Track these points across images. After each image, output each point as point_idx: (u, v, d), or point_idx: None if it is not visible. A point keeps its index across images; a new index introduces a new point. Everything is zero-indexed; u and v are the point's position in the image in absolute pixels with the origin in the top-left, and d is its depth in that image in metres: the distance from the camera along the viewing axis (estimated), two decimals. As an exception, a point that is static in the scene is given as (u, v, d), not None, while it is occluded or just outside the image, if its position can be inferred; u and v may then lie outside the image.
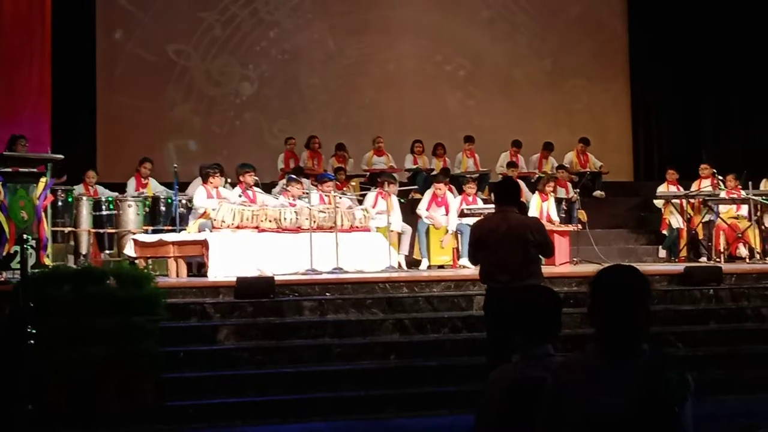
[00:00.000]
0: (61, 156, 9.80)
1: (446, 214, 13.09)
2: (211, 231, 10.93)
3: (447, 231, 12.91)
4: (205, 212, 11.38)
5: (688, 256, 13.44)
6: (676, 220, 13.95)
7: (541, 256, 6.94)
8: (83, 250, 11.69)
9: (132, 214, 11.81)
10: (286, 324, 8.94)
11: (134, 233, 11.55)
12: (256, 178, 12.01)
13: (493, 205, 13.47)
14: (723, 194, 13.45)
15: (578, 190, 14.09)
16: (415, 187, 14.81)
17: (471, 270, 12.29)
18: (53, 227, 9.99)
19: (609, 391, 2.97)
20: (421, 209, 13.18)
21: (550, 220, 13.35)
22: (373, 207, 12.66)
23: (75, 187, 12.22)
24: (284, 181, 12.91)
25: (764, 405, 8.13)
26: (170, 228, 11.90)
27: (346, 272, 10.96)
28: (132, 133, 16.18)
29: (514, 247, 6.49)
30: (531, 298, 3.69)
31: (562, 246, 13.03)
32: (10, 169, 9.20)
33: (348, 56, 17.45)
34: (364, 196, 13.35)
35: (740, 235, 13.07)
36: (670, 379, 2.97)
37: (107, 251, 11.94)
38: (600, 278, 3.14)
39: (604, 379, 3.01)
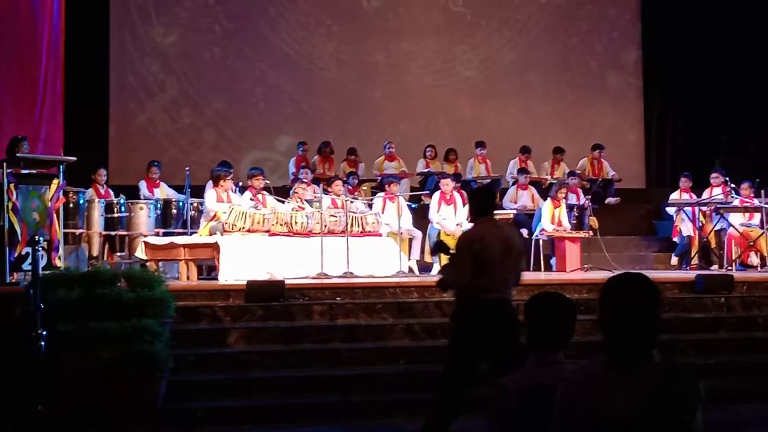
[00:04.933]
0: (74, 158, 9.83)
1: (455, 213, 13.09)
2: (222, 234, 10.95)
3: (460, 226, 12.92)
4: (215, 215, 11.41)
5: (700, 263, 13.39)
6: (687, 228, 13.91)
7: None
8: (95, 252, 11.71)
9: (143, 217, 11.83)
10: (296, 328, 8.94)
11: (145, 236, 11.57)
12: (267, 181, 12.05)
13: (502, 211, 13.65)
14: (736, 202, 13.41)
15: (590, 197, 14.05)
16: (427, 192, 14.81)
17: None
18: (65, 229, 10.01)
19: (620, 400, 2.96)
20: (432, 214, 13.15)
21: (561, 226, 13.34)
22: (382, 212, 12.65)
23: (87, 189, 12.25)
24: (296, 185, 12.94)
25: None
26: (181, 231, 11.93)
27: (357, 277, 10.96)
28: (144, 135, 16.25)
29: (511, 257, 6.36)
30: (546, 306, 3.68)
31: (573, 253, 13.02)
32: (22, 171, 9.23)
33: (360, 61, 17.47)
34: (373, 200, 13.35)
35: (752, 244, 13.03)
36: (682, 388, 2.96)
37: (119, 253, 11.96)
38: (609, 286, 3.13)
39: (615, 387, 3.00)
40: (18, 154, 9.53)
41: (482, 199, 6.58)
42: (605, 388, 3.02)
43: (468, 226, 12.77)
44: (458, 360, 6.42)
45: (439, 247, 6.92)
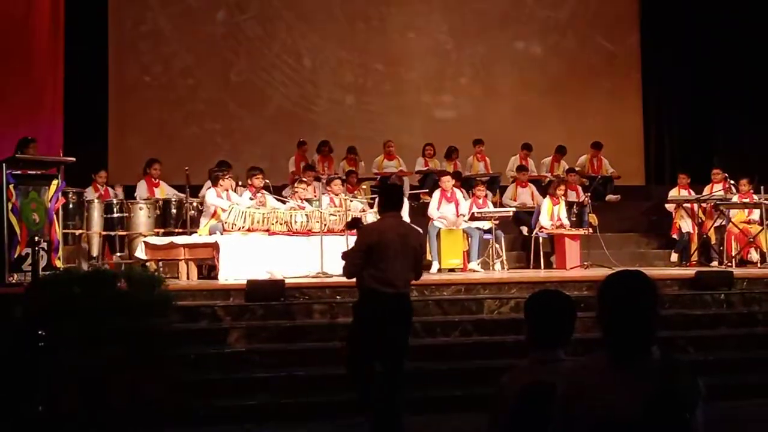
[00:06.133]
0: (73, 159, 9.84)
1: (456, 211, 13.06)
2: (221, 233, 10.94)
3: (462, 232, 12.89)
4: (215, 213, 11.40)
5: (700, 260, 13.39)
6: (686, 225, 13.92)
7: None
8: (94, 252, 11.71)
9: (143, 217, 11.81)
10: (297, 327, 8.95)
11: (145, 236, 11.57)
12: (266, 180, 12.04)
13: (501, 208, 13.65)
14: (735, 198, 13.41)
15: (589, 194, 14.05)
16: (426, 190, 14.80)
17: (481, 273, 12.31)
18: (64, 229, 10.01)
19: (620, 397, 2.96)
20: (432, 210, 13.13)
21: (561, 224, 13.33)
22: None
23: (86, 189, 12.24)
24: (295, 184, 12.93)
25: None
26: (181, 230, 11.92)
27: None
28: (144, 135, 16.22)
29: (409, 253, 6.67)
30: (546, 303, 3.68)
31: (572, 250, 13.02)
32: (21, 172, 9.23)
33: (359, 60, 17.46)
34: (374, 199, 13.34)
35: (752, 240, 13.04)
36: (682, 385, 2.97)
37: (118, 253, 11.96)
38: (607, 284, 3.14)
39: (615, 384, 3.00)
40: (17, 155, 9.53)
41: (389, 196, 6.98)
42: (605, 385, 3.02)
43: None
44: (351, 351, 6.83)
45: (354, 224, 7.28)
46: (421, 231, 7.64)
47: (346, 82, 17.40)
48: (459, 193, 13.38)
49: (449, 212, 13.07)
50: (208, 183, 12.44)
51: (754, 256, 13.18)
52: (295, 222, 11.30)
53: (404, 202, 7.06)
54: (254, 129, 16.94)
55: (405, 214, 12.66)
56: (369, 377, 6.75)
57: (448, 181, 13.26)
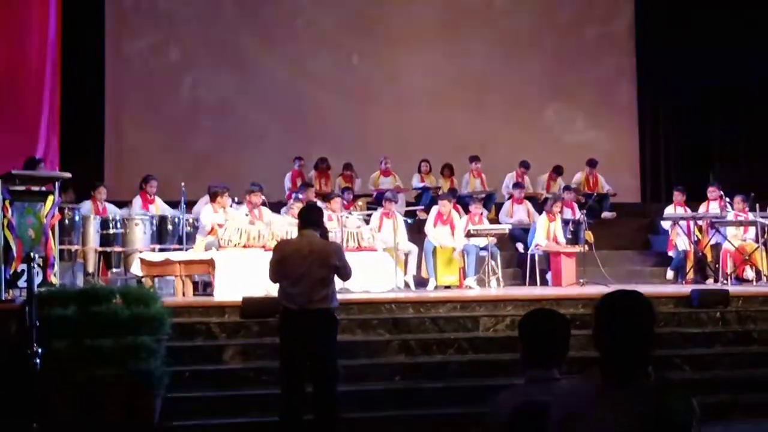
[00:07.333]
0: (69, 174, 9.83)
1: (452, 234, 13.06)
2: (217, 250, 10.94)
3: (454, 250, 12.89)
4: (212, 230, 11.39)
5: (695, 278, 13.39)
6: (682, 242, 13.92)
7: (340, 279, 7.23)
8: (90, 268, 11.68)
9: (139, 233, 11.81)
10: (292, 344, 8.91)
11: (141, 252, 11.55)
12: (264, 197, 12.04)
13: (497, 225, 13.66)
14: (731, 216, 13.42)
15: (585, 211, 14.07)
16: (422, 207, 14.80)
17: (477, 291, 12.31)
18: (60, 245, 10.00)
19: (614, 416, 2.96)
20: (428, 228, 13.14)
21: (556, 241, 13.34)
22: (379, 230, 12.62)
23: (82, 204, 12.22)
24: (291, 201, 12.93)
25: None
26: (177, 247, 11.91)
27: (352, 292, 10.93)
28: (140, 151, 16.22)
29: (315, 270, 6.76)
30: (539, 323, 3.68)
31: (568, 267, 13.02)
32: (18, 188, 9.22)
33: (356, 77, 17.49)
34: (371, 215, 13.34)
35: (747, 258, 13.04)
36: (676, 405, 2.97)
37: (114, 270, 11.94)
38: (604, 303, 3.14)
39: (610, 404, 3.00)
40: (13, 171, 9.52)
41: (303, 215, 7.19)
42: (600, 405, 3.02)
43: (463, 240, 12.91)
44: (280, 363, 6.96)
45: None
46: (340, 245, 7.83)
47: (345, 97, 17.41)
48: (456, 216, 13.35)
49: (445, 233, 13.06)
50: (204, 199, 12.43)
51: (750, 274, 13.18)
52: (291, 239, 11.28)
53: (322, 221, 7.23)
54: (250, 146, 16.93)
55: (402, 231, 12.80)
56: (290, 398, 6.78)
57: (445, 206, 13.18)
